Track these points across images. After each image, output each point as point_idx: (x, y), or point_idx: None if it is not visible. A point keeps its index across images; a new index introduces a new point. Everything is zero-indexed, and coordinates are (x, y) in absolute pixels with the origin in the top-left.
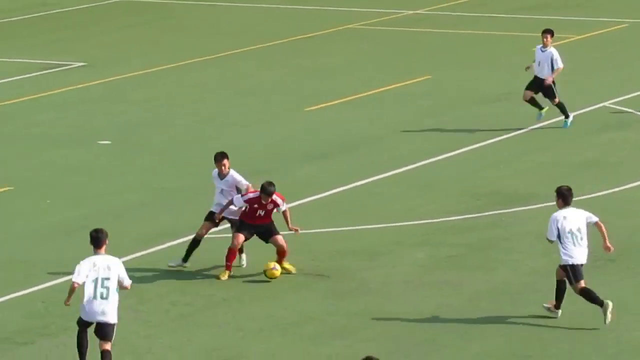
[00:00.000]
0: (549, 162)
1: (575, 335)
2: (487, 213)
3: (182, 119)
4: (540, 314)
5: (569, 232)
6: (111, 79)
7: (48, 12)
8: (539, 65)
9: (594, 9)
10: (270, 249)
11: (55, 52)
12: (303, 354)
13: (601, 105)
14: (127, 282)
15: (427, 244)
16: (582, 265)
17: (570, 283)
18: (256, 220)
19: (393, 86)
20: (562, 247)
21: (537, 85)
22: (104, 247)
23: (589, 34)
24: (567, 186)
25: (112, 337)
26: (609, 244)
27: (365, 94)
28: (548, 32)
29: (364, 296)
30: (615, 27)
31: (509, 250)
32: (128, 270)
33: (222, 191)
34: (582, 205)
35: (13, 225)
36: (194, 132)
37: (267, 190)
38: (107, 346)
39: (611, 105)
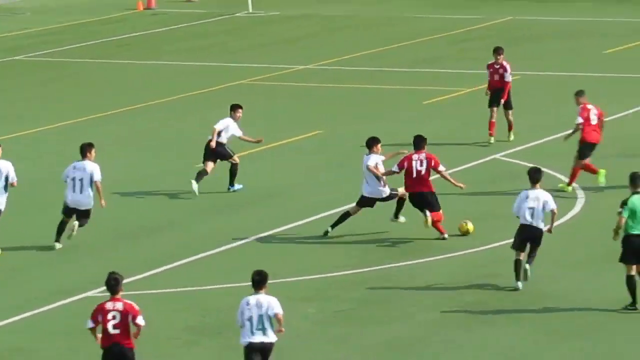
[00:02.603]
0: (443, 214)
1: None
2: (377, 267)
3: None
4: None
5: None
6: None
7: None
8: None
9: (486, 61)
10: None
11: None
12: None
13: (492, 157)
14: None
15: (317, 299)
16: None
17: None
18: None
19: (285, 141)
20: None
21: None
22: None
23: (480, 87)
24: None
25: None
26: None
27: (258, 149)
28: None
29: None
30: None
31: (400, 304)
32: None
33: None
34: (475, 257)
35: None
36: None
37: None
38: None
39: (502, 158)
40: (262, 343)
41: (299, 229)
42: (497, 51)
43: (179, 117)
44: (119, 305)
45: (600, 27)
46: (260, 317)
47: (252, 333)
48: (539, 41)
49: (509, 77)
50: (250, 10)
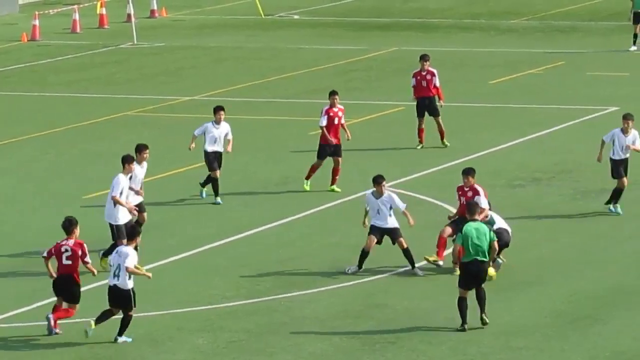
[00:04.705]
0: (331, 244)
1: None
2: (267, 298)
3: None
4: None
5: None
6: None
7: None
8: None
9: (371, 91)
10: None
11: None
12: None
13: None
14: None
15: (207, 330)
16: None
17: None
18: None
19: (173, 172)
20: None
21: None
22: None
23: (366, 117)
24: None
25: None
26: None
27: (146, 180)
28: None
29: None
30: (394, 110)
31: (289, 335)
32: None
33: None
34: (363, 288)
35: None
36: None
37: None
38: None
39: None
40: (115, 286)
41: (189, 258)
42: (424, 58)
43: (62, 148)
44: (71, 243)
45: (484, 58)
46: (119, 265)
47: (112, 277)
48: None
49: (437, 82)
50: (135, 42)
